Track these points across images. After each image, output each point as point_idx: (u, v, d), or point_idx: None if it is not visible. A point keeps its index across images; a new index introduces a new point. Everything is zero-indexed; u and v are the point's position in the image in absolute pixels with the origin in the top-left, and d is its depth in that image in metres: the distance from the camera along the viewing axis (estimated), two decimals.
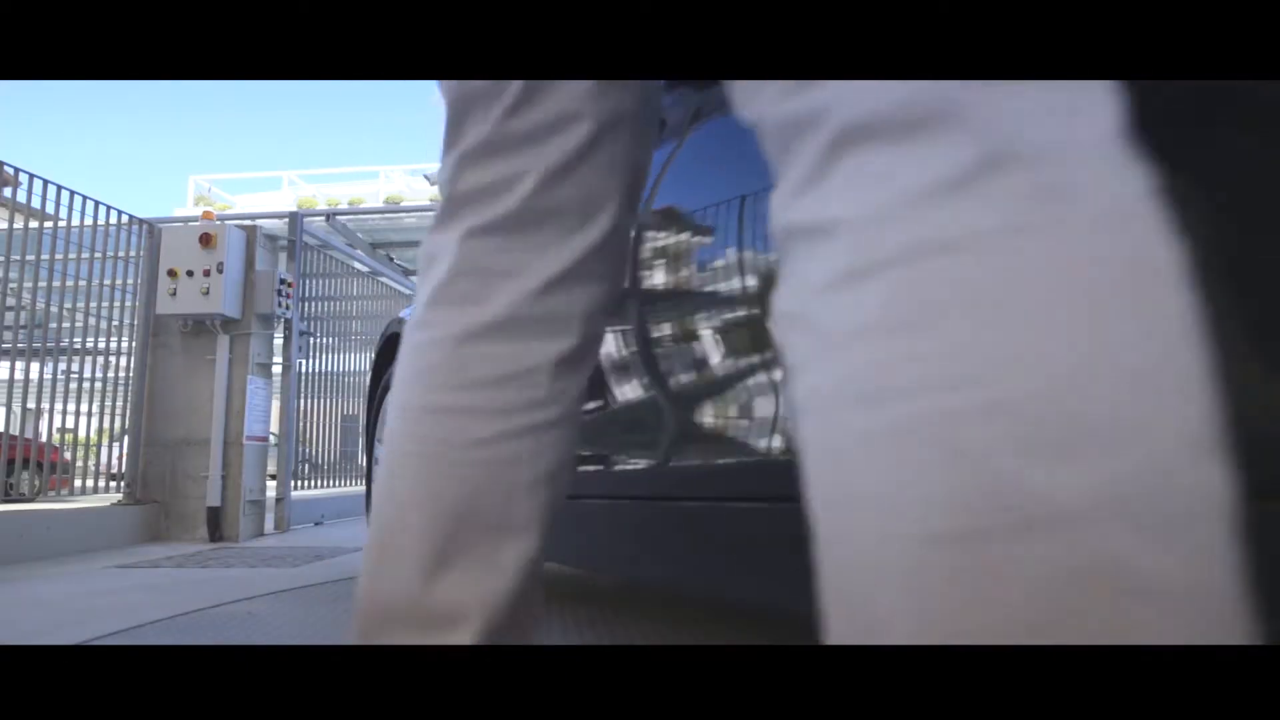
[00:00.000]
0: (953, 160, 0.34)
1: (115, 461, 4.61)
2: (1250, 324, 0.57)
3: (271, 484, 4.61)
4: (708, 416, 1.25)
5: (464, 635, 0.60)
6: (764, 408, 1.09)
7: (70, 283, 4.29)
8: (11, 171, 3.95)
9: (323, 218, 9.14)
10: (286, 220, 5.01)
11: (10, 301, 3.95)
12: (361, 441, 5.67)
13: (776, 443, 1.06)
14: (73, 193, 4.13)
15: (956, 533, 0.31)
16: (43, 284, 4.14)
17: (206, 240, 4.11)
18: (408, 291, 6.77)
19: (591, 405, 1.48)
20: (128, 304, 4.43)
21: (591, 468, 1.48)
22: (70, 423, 4.39)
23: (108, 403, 4.44)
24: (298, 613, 1.93)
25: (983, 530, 0.31)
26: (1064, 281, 0.32)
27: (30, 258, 3.99)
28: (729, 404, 1.19)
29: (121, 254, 4.34)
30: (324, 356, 5.77)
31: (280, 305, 4.35)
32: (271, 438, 4.66)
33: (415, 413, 0.64)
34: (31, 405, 4.19)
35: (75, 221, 4.18)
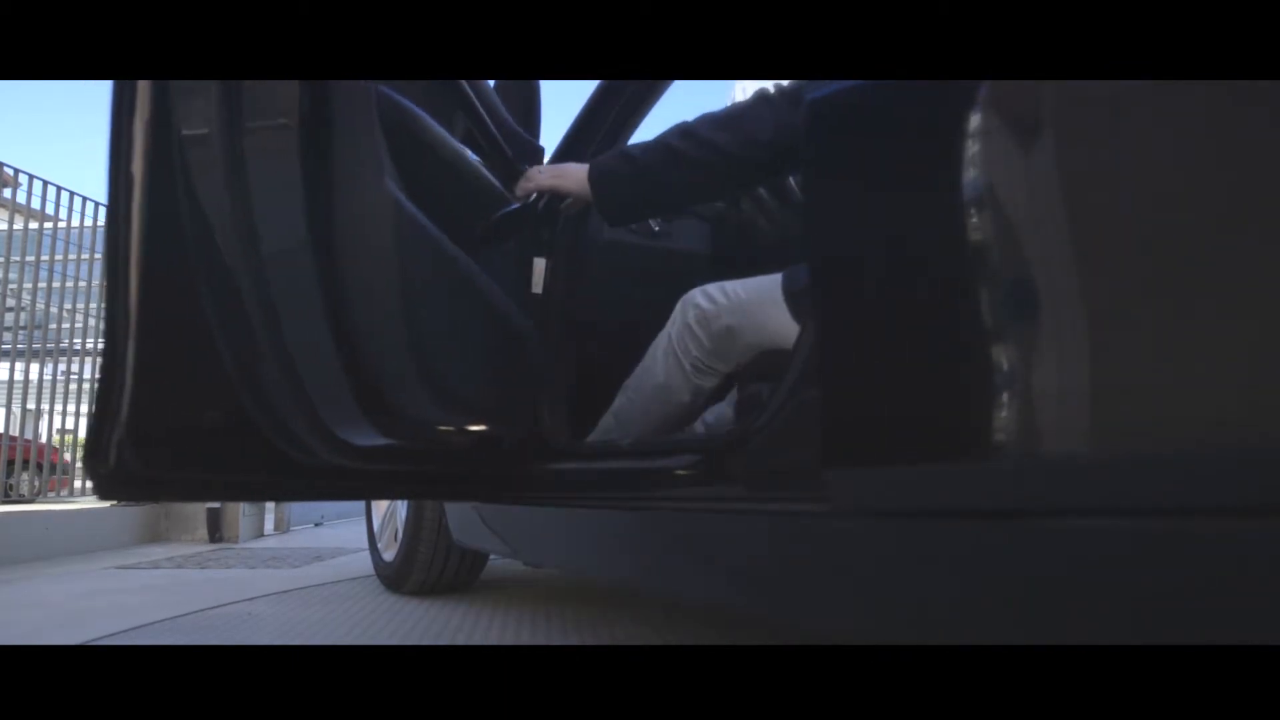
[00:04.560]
0: None
1: None
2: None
3: None
4: None
5: None
6: None
7: (70, 283, 4.29)
8: (11, 172, 3.95)
9: None
10: None
11: (10, 302, 3.95)
12: None
13: None
14: (72, 194, 4.14)
15: None
16: (43, 284, 4.14)
17: None
18: None
19: None
20: None
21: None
22: (70, 423, 4.39)
23: None
24: (298, 613, 1.93)
25: None
26: None
27: (30, 258, 3.99)
28: None
29: None
30: None
31: None
32: None
33: None
34: (31, 406, 4.19)
35: (75, 222, 4.18)
